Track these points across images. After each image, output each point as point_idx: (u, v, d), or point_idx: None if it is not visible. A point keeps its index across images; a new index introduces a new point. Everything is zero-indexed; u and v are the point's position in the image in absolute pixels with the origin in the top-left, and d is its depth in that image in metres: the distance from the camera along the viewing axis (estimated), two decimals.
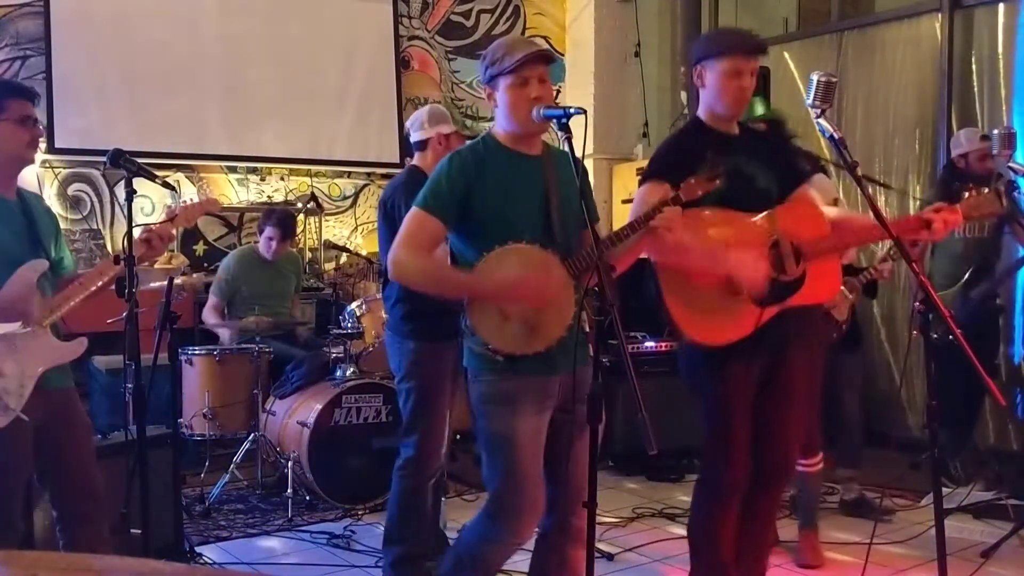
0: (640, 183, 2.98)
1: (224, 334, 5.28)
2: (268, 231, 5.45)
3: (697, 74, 2.98)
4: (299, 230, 6.27)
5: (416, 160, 3.70)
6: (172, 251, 5.82)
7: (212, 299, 5.39)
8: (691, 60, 3.03)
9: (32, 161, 2.94)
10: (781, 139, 3.17)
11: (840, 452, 4.52)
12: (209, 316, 5.34)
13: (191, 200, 3.06)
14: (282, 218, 5.52)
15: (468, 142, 2.81)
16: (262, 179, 6.60)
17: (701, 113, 3.02)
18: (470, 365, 2.61)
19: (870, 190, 4.26)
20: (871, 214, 2.86)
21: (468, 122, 7.17)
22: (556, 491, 2.65)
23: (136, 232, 2.83)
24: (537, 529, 2.70)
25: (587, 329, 2.63)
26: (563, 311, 2.54)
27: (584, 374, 2.56)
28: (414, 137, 3.70)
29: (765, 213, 2.93)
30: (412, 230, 2.58)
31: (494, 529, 2.61)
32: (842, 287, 4.03)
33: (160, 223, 2.96)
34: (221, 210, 6.22)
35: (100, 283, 2.79)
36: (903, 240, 2.94)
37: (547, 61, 2.59)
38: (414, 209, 2.60)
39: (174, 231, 2.96)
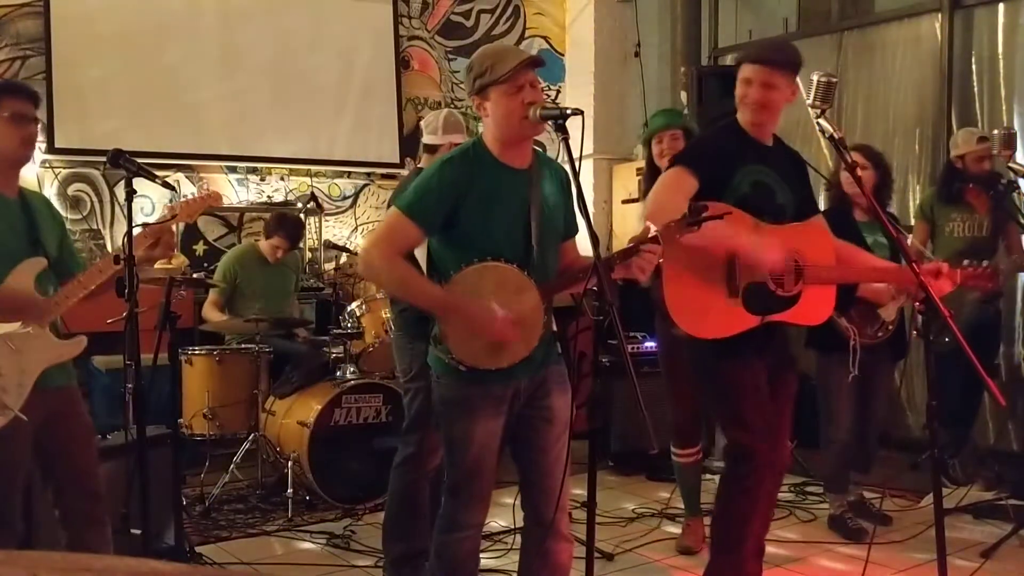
0: (670, 164, 3.02)
1: (223, 326, 5.29)
2: (276, 239, 5.44)
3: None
4: None
5: (423, 163, 3.71)
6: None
7: (212, 295, 5.40)
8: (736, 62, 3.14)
9: (28, 160, 2.91)
10: (802, 162, 3.24)
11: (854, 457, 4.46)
12: (209, 312, 5.34)
13: (190, 196, 3.04)
14: (292, 229, 5.50)
15: (458, 146, 2.81)
16: (262, 179, 6.60)
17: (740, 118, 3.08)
18: (433, 366, 2.68)
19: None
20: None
21: (471, 124, 7.16)
22: (530, 485, 2.73)
23: (136, 232, 2.83)
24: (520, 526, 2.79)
25: (554, 329, 2.70)
26: (530, 334, 2.61)
27: (555, 371, 2.70)
28: (427, 140, 3.71)
29: (782, 227, 2.96)
30: (390, 232, 2.61)
31: (449, 514, 2.71)
32: (891, 287, 4.04)
33: (159, 221, 2.94)
34: (221, 210, 6.22)
35: (100, 281, 2.79)
36: (902, 241, 2.96)
37: (537, 66, 2.59)
38: (396, 210, 2.60)
39: (173, 227, 2.94)
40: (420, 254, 2.73)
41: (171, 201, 5.69)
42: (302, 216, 6.42)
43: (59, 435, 2.81)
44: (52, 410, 2.77)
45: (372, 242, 2.66)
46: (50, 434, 2.78)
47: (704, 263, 2.91)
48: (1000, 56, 5.73)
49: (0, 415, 2.63)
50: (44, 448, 2.78)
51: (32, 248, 2.79)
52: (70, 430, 2.85)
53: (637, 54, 7.55)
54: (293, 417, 4.75)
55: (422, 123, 3.81)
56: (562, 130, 2.48)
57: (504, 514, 3.93)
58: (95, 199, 6.05)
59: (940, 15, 5.91)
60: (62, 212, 5.72)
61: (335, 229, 6.85)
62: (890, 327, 4.25)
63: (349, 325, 4.92)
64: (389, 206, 3.59)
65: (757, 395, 2.98)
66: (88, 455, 2.91)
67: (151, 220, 5.74)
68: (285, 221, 5.56)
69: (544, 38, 7.71)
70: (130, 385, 4.09)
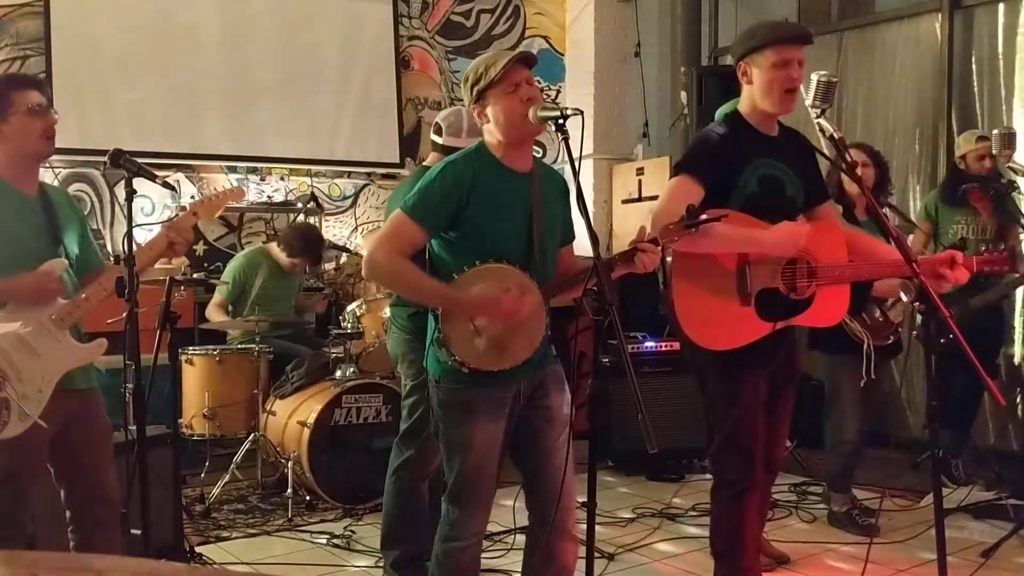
0: (674, 172, 2.98)
1: (224, 326, 5.28)
2: (299, 260, 5.42)
3: (742, 72, 2.94)
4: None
5: (430, 162, 3.58)
6: None
7: (217, 296, 5.38)
8: (735, 59, 3.00)
9: (50, 153, 2.83)
10: (811, 148, 3.16)
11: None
12: (212, 313, 5.33)
13: (199, 195, 3.00)
14: (315, 253, 5.48)
15: (462, 150, 2.81)
16: (262, 179, 6.60)
17: (744, 109, 2.99)
18: (433, 369, 2.67)
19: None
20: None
21: None
22: (534, 487, 2.73)
23: (145, 234, 2.81)
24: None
25: (548, 332, 2.70)
26: (533, 334, 2.62)
27: (552, 371, 2.72)
28: (447, 141, 3.48)
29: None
30: (394, 233, 2.60)
31: (450, 523, 2.70)
32: (899, 288, 4.01)
33: (178, 219, 2.90)
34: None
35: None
36: (902, 240, 2.95)
37: (530, 64, 2.61)
38: (400, 212, 2.60)
39: (190, 227, 2.88)
40: None
41: (172, 201, 5.72)
42: (300, 211, 6.43)
43: (77, 440, 2.78)
44: (72, 414, 2.74)
45: (377, 244, 2.64)
46: (68, 438, 2.75)
47: (714, 273, 2.88)
48: (1000, 56, 5.73)
49: (19, 421, 2.59)
50: (61, 451, 2.75)
51: (54, 248, 2.76)
52: (87, 435, 2.82)
53: (637, 54, 7.56)
54: (293, 417, 4.75)
55: (439, 118, 3.58)
56: (562, 130, 2.48)
57: (504, 514, 3.92)
58: (95, 199, 6.05)
59: (940, 15, 5.92)
60: None
61: (335, 229, 6.85)
62: (900, 329, 4.26)
63: (349, 325, 4.92)
64: (387, 206, 3.58)
65: (757, 405, 2.97)
66: (103, 460, 2.88)
67: (151, 220, 5.78)
68: (310, 245, 5.43)
69: (544, 38, 7.71)
70: (130, 385, 4.09)
